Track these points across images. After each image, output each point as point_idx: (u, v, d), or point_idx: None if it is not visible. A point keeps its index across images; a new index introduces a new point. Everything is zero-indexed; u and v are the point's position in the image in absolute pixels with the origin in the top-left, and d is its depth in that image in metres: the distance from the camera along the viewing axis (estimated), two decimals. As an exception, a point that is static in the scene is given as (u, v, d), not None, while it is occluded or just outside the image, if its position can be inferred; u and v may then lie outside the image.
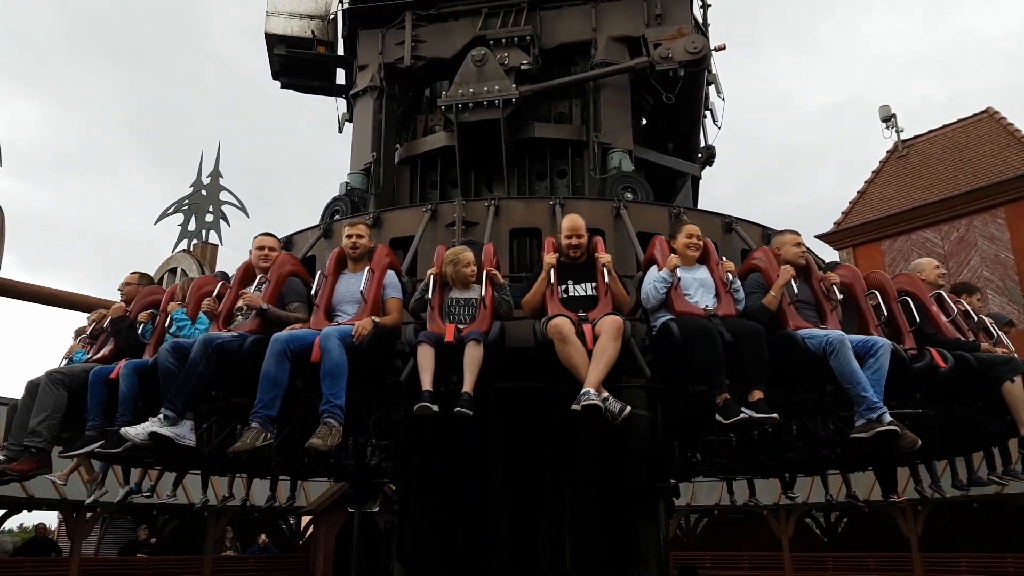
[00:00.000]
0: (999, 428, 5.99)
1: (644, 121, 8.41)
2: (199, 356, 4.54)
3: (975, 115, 22.73)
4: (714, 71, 8.40)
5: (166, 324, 5.31)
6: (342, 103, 8.84)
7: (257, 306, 4.86)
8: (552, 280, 4.84)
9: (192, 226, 15.38)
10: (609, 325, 4.46)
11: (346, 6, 7.68)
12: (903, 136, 23.68)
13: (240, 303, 5.10)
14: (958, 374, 5.17)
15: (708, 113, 8.74)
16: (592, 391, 4.21)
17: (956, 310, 5.88)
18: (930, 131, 23.47)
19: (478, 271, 4.93)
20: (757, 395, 4.34)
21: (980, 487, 9.55)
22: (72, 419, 5.23)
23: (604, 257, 4.96)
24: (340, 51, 8.24)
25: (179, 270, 12.80)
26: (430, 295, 4.86)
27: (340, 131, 8.96)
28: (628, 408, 4.25)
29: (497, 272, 4.91)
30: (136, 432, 4.41)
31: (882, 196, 22.91)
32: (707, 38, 7.35)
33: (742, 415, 4.24)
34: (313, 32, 8.11)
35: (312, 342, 4.44)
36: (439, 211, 5.98)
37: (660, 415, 8.30)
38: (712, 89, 8.54)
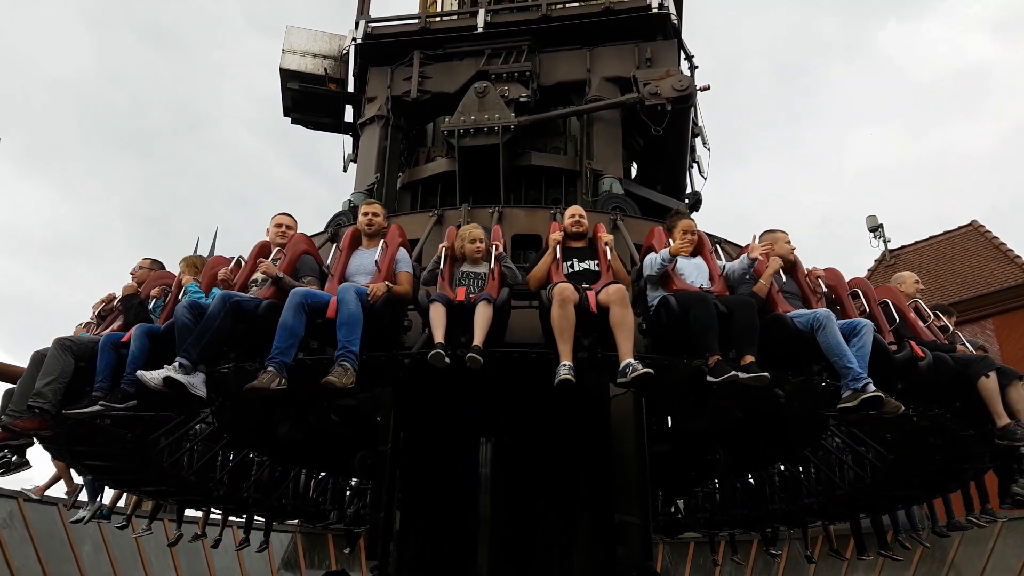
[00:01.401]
0: (978, 446, 6.10)
1: (635, 165, 8.89)
2: (217, 310, 4.74)
3: (960, 227, 23.17)
4: (700, 123, 8.95)
5: (179, 296, 5.46)
6: (348, 145, 9.34)
7: (274, 274, 5.07)
8: (557, 255, 5.19)
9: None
10: (615, 292, 4.78)
11: (359, 42, 8.20)
12: (890, 246, 24.04)
13: (256, 275, 5.31)
14: (936, 371, 5.43)
15: (695, 165, 9.23)
16: (633, 361, 4.50)
17: (931, 316, 6.18)
18: (917, 242, 23.90)
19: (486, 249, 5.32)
20: (749, 359, 4.55)
21: (960, 530, 9.50)
22: (74, 391, 5.25)
23: (606, 237, 5.44)
24: (350, 88, 8.79)
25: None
26: (442, 267, 5.21)
27: (345, 170, 9.40)
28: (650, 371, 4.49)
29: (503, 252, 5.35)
30: (151, 376, 4.52)
31: (866, 308, 23.39)
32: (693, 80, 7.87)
33: (731, 373, 4.44)
34: (326, 70, 8.68)
35: (328, 301, 4.73)
36: (445, 216, 6.34)
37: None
38: (699, 141, 9.07)
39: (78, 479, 8.75)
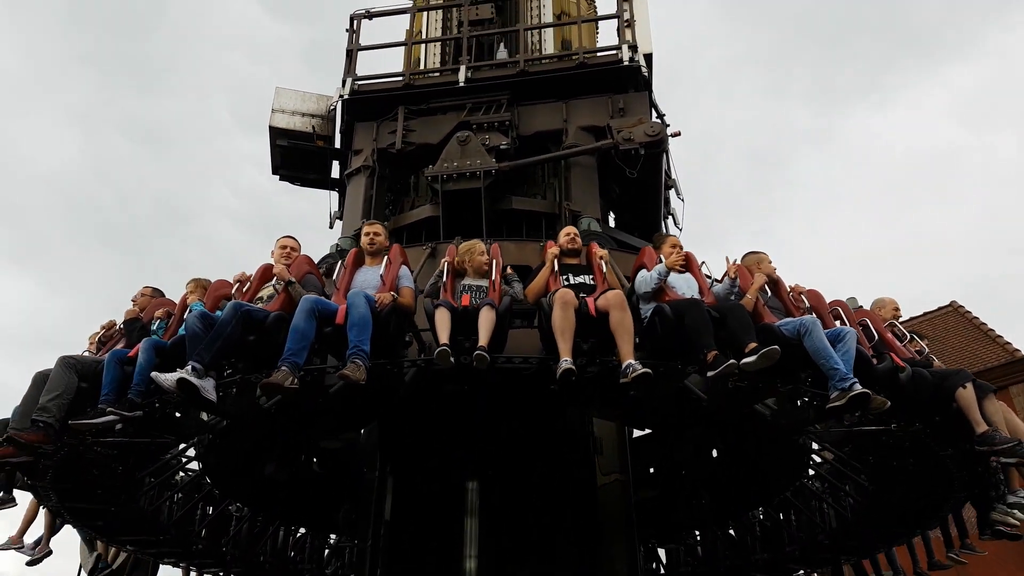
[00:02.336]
0: (958, 469, 6.24)
1: (612, 214, 9.24)
2: (229, 317, 4.93)
3: (940, 308, 23.30)
4: (674, 176, 9.39)
5: (184, 315, 5.59)
6: (335, 202, 9.63)
7: (287, 278, 5.29)
8: (555, 268, 5.48)
9: None
10: (614, 297, 5.08)
11: (346, 98, 8.61)
12: (871, 327, 24.64)
13: (261, 293, 5.54)
14: (915, 385, 5.62)
15: (671, 216, 9.61)
16: (633, 361, 4.74)
17: (908, 337, 6.45)
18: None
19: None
20: (752, 345, 4.77)
21: (941, 569, 9.46)
22: (74, 411, 5.30)
23: (601, 251, 5.72)
24: (337, 144, 9.15)
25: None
26: (444, 279, 5.48)
27: (331, 227, 9.66)
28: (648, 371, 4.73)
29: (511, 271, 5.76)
30: (166, 377, 4.63)
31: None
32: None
33: (731, 362, 4.67)
34: (313, 127, 9.06)
35: (336, 309, 5.00)
36: (437, 250, 6.61)
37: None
38: (673, 193, 9.48)
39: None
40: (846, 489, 8.34)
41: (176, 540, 7.92)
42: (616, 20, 8.54)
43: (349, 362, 4.68)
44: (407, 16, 9.36)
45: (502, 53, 9.03)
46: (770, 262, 6.06)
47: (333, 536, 10.39)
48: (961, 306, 22.93)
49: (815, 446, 8.01)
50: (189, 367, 4.70)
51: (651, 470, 9.53)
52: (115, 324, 6.25)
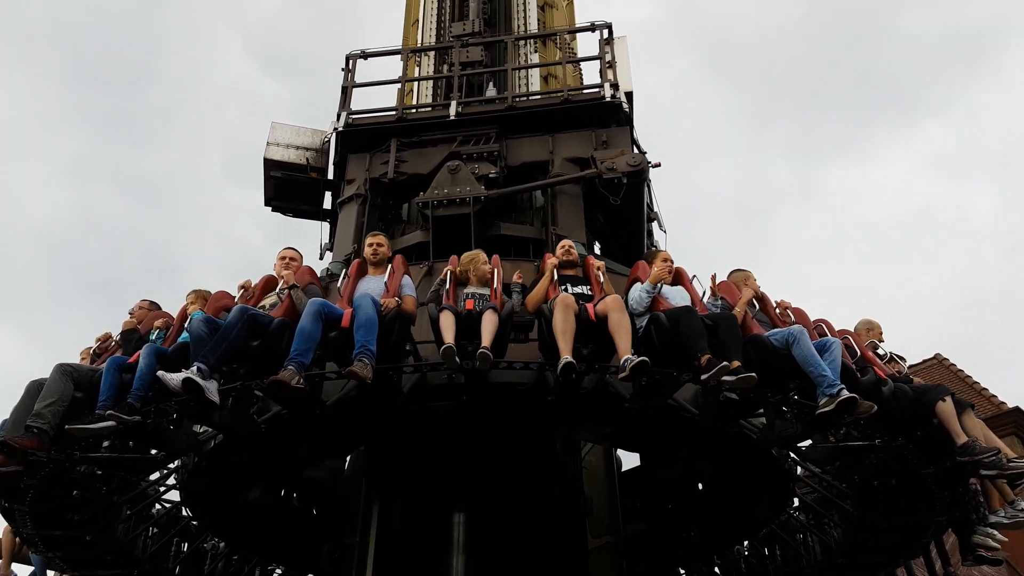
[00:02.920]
0: (939, 487, 6.44)
1: (597, 244, 9.54)
2: (235, 320, 5.09)
3: (925, 361, 23.16)
4: (656, 208, 9.77)
5: (185, 324, 5.73)
6: (325, 234, 9.87)
7: (292, 283, 5.48)
8: (555, 278, 5.75)
9: None
10: (613, 301, 5.34)
11: (341, 130, 8.96)
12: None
13: (264, 302, 5.71)
14: (897, 400, 5.87)
15: (654, 247, 9.95)
16: (630, 356, 4.99)
17: (888, 356, 6.74)
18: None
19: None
20: (736, 364, 4.97)
21: None
22: (70, 419, 5.31)
23: (598, 263, 6.00)
24: (330, 176, 9.44)
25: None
26: (447, 286, 5.69)
27: (321, 257, 9.87)
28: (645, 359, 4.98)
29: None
30: (172, 377, 4.75)
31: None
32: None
33: (723, 364, 4.88)
34: (307, 160, 9.36)
35: (342, 314, 5.17)
36: (434, 268, 6.88)
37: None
38: (655, 225, 9.85)
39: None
40: (831, 519, 8.50)
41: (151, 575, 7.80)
42: (599, 62, 9.03)
43: (356, 360, 4.83)
44: (400, 57, 9.79)
45: (491, 91, 9.48)
46: (754, 280, 6.37)
47: None
48: (946, 359, 23.11)
49: (801, 471, 8.21)
50: (194, 368, 4.82)
51: (639, 504, 9.60)
52: (110, 336, 6.31)
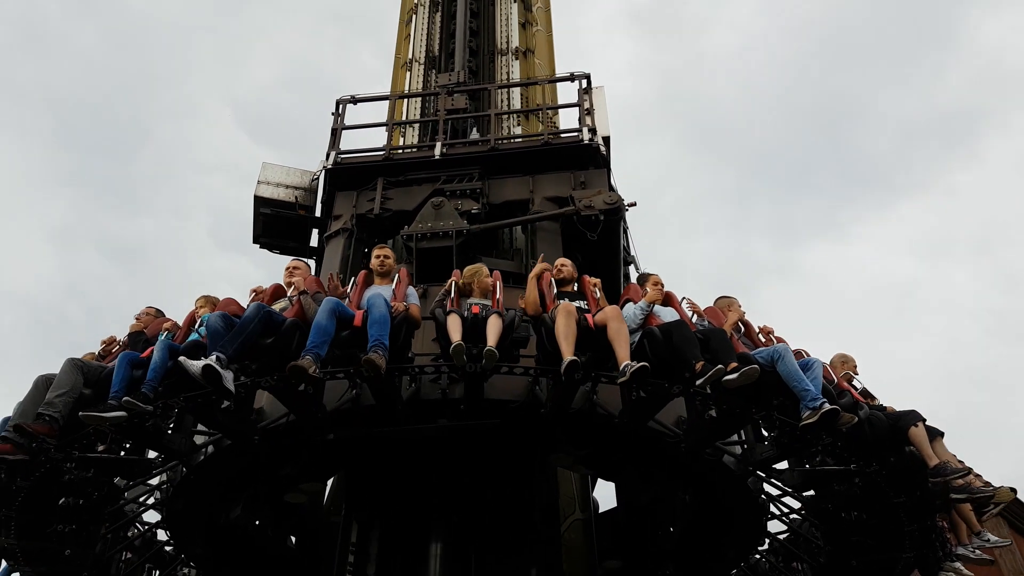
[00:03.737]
0: (909, 519, 6.63)
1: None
2: (252, 315, 5.38)
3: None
4: (633, 252, 10.11)
5: (195, 325, 5.96)
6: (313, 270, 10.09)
7: (303, 288, 5.78)
8: (552, 287, 6.17)
9: None
10: (611, 311, 5.65)
11: (329, 167, 9.31)
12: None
13: (274, 307, 5.96)
14: (871, 424, 6.13)
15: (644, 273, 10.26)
16: (629, 362, 5.23)
17: (861, 387, 7.05)
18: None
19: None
20: (733, 364, 5.28)
21: None
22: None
23: (594, 280, 6.34)
24: (317, 214, 9.74)
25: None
26: (452, 295, 6.01)
27: (305, 295, 10.07)
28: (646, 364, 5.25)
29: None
30: (192, 364, 4.95)
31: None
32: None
33: (719, 367, 5.19)
34: (296, 198, 9.69)
35: (354, 315, 5.49)
36: (429, 291, 7.20)
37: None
38: (632, 268, 10.17)
39: None
40: (801, 561, 8.61)
41: None
42: (577, 108, 9.51)
43: (371, 352, 5.09)
44: (387, 103, 10.25)
45: (474, 135, 9.92)
46: (740, 307, 6.73)
47: None
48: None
49: (774, 510, 8.35)
50: (213, 356, 5.03)
51: (615, 543, 9.61)
52: (115, 339, 6.45)
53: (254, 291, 6.12)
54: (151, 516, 7.80)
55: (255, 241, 9.96)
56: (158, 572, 8.29)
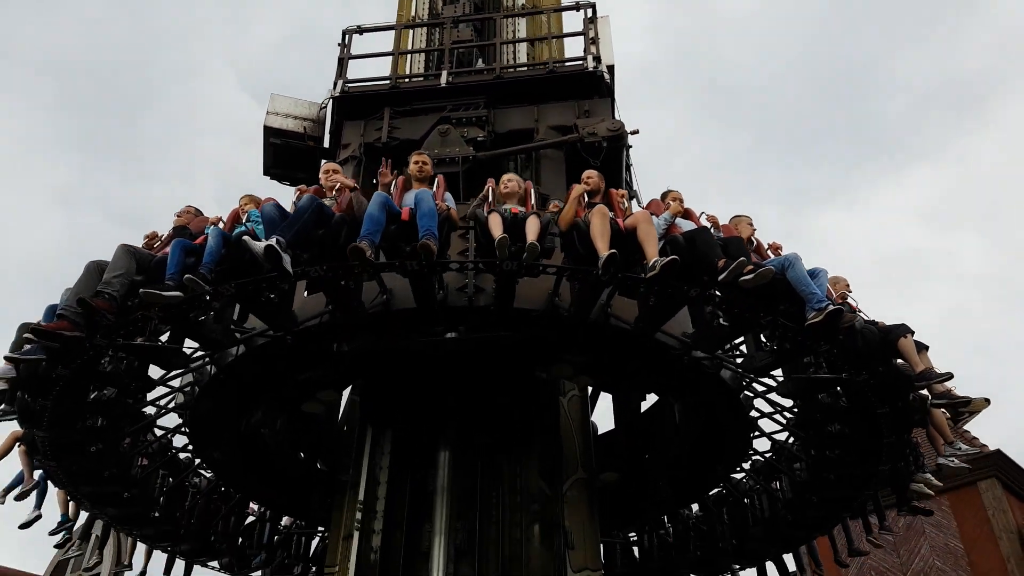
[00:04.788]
0: (890, 430, 6.95)
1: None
2: (307, 205, 5.74)
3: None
4: (635, 187, 10.27)
5: (243, 220, 6.30)
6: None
7: (350, 184, 6.14)
8: (583, 202, 6.39)
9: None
10: (641, 215, 6.08)
11: (337, 95, 9.46)
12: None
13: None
14: (864, 336, 6.47)
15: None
16: (658, 259, 5.61)
17: (856, 305, 7.37)
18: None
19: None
20: (748, 268, 5.68)
21: (859, 556, 10.17)
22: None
23: (621, 191, 6.74)
24: (326, 144, 9.91)
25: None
26: (489, 200, 6.37)
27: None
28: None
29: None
30: (255, 243, 5.33)
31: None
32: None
33: (741, 259, 5.64)
34: (305, 128, 9.85)
35: (401, 210, 5.88)
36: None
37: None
38: (634, 203, 10.34)
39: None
40: (783, 475, 9.05)
41: (137, 501, 8.08)
42: (583, 38, 9.59)
43: (423, 240, 5.43)
44: (394, 33, 10.32)
45: (480, 66, 10.02)
46: (750, 223, 7.08)
47: (285, 520, 10.64)
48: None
49: (762, 425, 8.73)
50: (274, 239, 5.35)
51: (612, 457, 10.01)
52: (157, 235, 6.65)
53: (298, 190, 6.35)
54: (169, 423, 8.20)
55: (265, 173, 10.15)
56: (171, 480, 8.71)
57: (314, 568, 10.79)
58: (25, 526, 7.91)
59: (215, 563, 10.28)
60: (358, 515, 7.43)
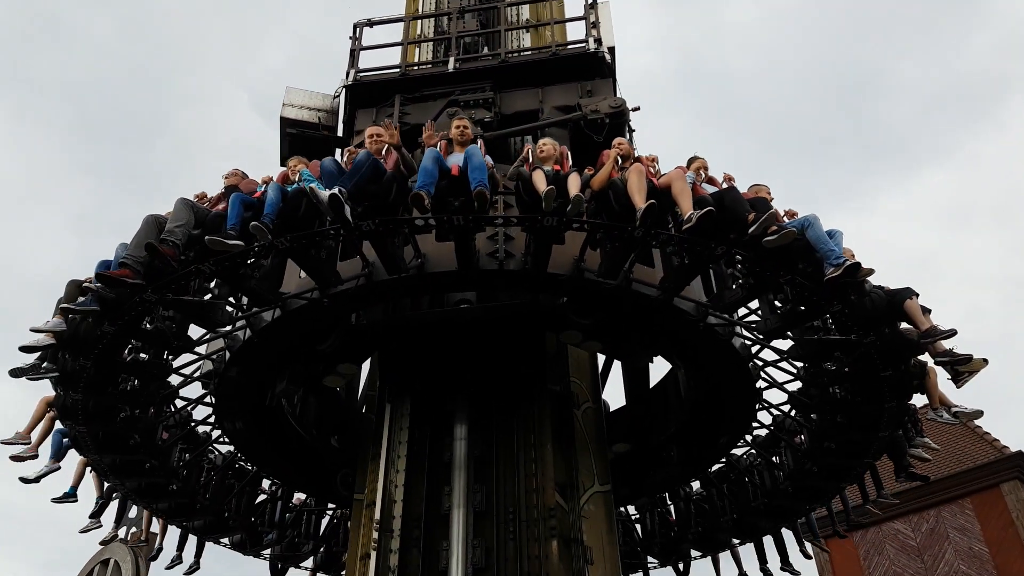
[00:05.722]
0: (891, 393, 7.21)
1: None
2: (364, 159, 6.11)
3: (925, 405, 23.28)
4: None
5: (296, 179, 6.59)
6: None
7: (397, 142, 6.52)
8: (618, 164, 6.77)
9: (133, 512, 13.51)
10: (675, 173, 6.41)
11: (349, 83, 9.86)
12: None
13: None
14: (872, 299, 6.73)
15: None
16: (693, 212, 5.95)
17: None
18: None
19: None
20: (772, 228, 6.07)
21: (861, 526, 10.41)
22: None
23: (652, 156, 7.06)
24: (340, 133, 10.28)
25: (112, 562, 13.13)
26: (529, 160, 6.69)
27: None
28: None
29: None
30: (322, 192, 5.67)
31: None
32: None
33: (771, 211, 5.99)
34: (319, 119, 10.24)
35: (451, 166, 6.21)
36: None
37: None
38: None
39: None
40: (784, 446, 9.20)
41: (158, 471, 8.35)
42: (584, 22, 9.95)
43: (478, 188, 5.78)
44: (402, 25, 10.77)
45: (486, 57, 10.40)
46: (769, 192, 7.35)
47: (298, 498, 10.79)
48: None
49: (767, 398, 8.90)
50: (337, 189, 5.67)
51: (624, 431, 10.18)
52: (206, 195, 6.98)
53: (348, 151, 6.60)
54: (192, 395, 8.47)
55: (282, 164, 10.51)
56: (188, 455, 8.98)
57: (323, 548, 10.97)
58: (37, 480, 8.01)
59: (226, 540, 10.47)
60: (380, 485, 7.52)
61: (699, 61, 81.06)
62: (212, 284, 7.09)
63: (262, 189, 6.59)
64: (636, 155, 7.36)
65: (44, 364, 6.50)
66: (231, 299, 7.25)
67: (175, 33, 73.80)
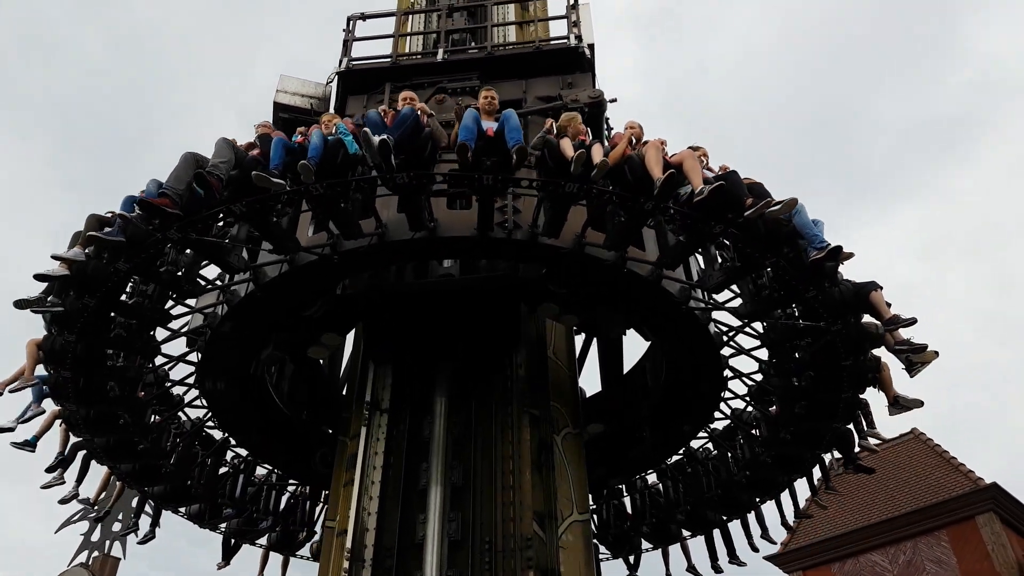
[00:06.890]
0: (849, 383, 7.65)
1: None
2: (409, 113, 6.47)
3: (902, 435, 23.07)
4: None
5: (331, 132, 6.79)
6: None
7: (428, 112, 6.89)
8: (634, 142, 7.16)
9: (96, 536, 14.32)
10: (687, 152, 6.86)
11: (342, 70, 10.30)
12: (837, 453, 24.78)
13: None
14: (841, 291, 7.18)
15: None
16: (704, 186, 6.38)
17: None
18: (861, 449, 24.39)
19: None
20: (774, 201, 6.47)
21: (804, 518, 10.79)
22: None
23: (661, 139, 7.32)
24: (331, 119, 10.69)
25: (73, 585, 13.07)
26: (553, 133, 7.02)
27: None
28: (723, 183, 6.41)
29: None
30: (374, 137, 6.01)
31: (825, 515, 20.56)
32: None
33: (769, 198, 6.40)
34: (311, 105, 10.65)
35: (486, 128, 6.56)
36: None
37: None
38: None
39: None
40: (741, 438, 9.53)
41: (132, 427, 8.35)
42: (566, 21, 10.50)
43: (518, 144, 6.24)
44: (394, 20, 11.28)
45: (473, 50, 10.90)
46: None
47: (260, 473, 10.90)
48: (923, 433, 23.03)
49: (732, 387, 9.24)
50: (386, 136, 6.00)
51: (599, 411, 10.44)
52: (235, 142, 7.14)
53: (383, 110, 6.87)
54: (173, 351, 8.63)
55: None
56: (159, 416, 9.13)
57: (279, 526, 11.04)
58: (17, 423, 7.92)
59: (183, 510, 10.50)
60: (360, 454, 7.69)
61: (683, 95, 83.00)
62: (233, 230, 7.38)
63: (298, 139, 6.89)
64: (645, 139, 7.77)
65: (50, 298, 6.58)
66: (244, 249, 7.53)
67: (164, 50, 74.79)
